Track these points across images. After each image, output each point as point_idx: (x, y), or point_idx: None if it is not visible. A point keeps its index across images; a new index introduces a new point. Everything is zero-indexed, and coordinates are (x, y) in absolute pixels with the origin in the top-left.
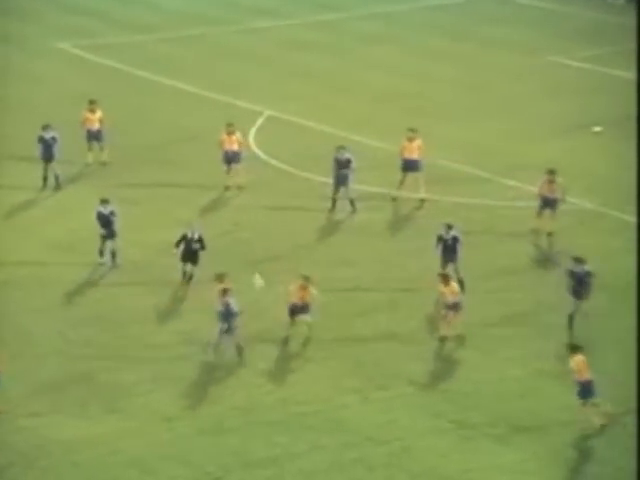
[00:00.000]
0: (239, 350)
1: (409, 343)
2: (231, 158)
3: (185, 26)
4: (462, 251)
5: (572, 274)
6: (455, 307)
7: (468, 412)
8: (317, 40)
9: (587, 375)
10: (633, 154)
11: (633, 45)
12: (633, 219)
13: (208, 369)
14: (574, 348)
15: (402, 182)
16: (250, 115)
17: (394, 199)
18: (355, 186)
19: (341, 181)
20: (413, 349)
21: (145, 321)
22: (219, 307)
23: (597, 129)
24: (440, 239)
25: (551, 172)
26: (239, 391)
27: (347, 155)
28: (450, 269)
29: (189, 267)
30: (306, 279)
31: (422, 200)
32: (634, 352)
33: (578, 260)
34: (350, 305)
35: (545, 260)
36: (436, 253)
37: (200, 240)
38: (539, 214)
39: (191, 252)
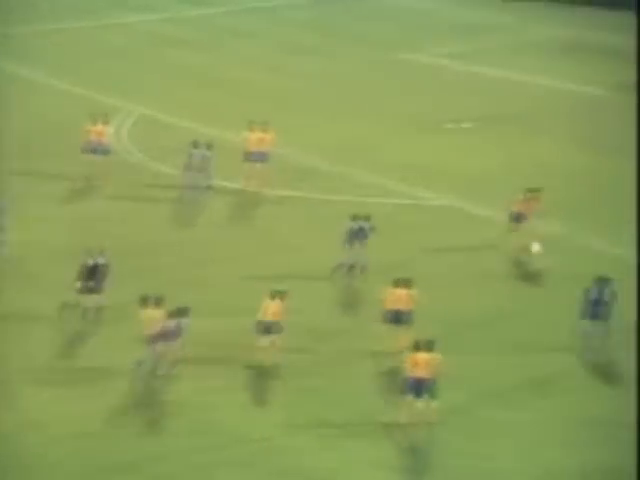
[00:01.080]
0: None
1: None
2: (96, 150)
3: (55, 20)
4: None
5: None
6: None
7: (329, 409)
8: (187, 36)
9: (422, 373)
10: (489, 150)
11: (495, 43)
12: (487, 213)
13: None
14: (425, 344)
15: (247, 174)
16: (116, 111)
17: (244, 190)
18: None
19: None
20: None
21: None
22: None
23: (465, 125)
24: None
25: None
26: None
27: (204, 151)
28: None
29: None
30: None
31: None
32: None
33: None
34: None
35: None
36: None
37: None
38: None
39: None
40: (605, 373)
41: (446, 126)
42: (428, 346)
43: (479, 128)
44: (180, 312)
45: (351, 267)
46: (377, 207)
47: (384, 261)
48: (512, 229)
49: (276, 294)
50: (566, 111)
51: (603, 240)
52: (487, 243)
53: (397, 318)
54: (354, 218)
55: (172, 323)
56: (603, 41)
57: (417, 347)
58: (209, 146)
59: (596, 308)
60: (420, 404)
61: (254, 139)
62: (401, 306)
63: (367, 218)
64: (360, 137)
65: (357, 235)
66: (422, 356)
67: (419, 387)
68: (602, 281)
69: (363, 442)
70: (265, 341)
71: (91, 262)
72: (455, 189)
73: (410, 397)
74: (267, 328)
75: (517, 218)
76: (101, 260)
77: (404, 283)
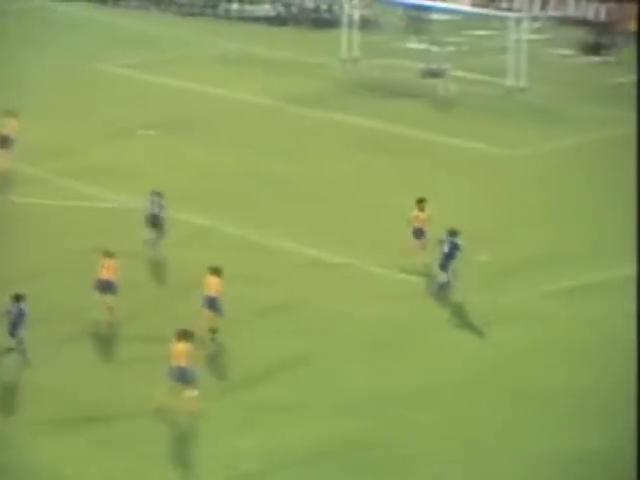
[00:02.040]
0: None
1: None
2: None
3: None
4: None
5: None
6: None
7: (41, 405)
8: None
9: (184, 362)
10: (183, 155)
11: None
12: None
13: None
14: (183, 335)
15: None
16: None
17: None
18: None
19: None
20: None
21: None
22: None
23: (145, 132)
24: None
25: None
26: None
27: None
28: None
29: None
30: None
31: None
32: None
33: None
34: None
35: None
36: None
37: None
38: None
39: None
40: None
41: (136, 132)
42: (187, 337)
43: (162, 134)
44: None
45: None
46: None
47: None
48: None
49: None
50: (239, 118)
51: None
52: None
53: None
54: None
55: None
56: (272, 55)
57: (179, 337)
58: None
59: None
60: (184, 392)
61: None
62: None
63: None
64: (55, 140)
65: None
66: (182, 346)
67: (182, 376)
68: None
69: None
70: None
71: None
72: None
73: (174, 385)
74: None
75: None
76: None
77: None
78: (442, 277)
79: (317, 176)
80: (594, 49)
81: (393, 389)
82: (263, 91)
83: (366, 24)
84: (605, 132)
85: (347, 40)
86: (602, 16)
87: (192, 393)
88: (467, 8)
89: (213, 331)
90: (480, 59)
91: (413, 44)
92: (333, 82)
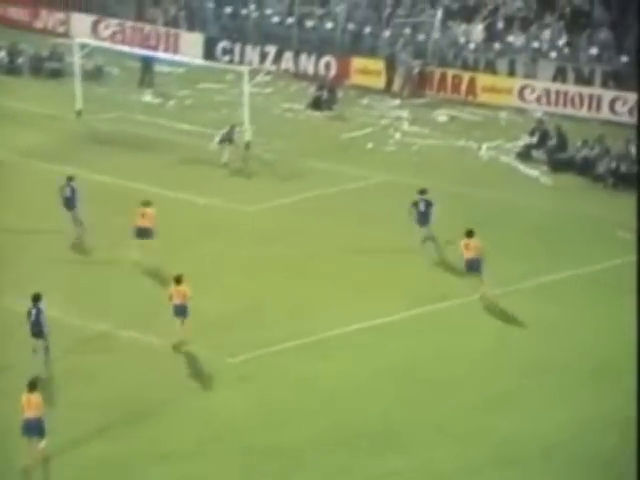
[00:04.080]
0: None
1: None
2: None
3: None
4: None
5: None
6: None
7: None
8: None
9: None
10: None
11: None
12: None
13: None
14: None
15: None
16: None
17: None
18: None
19: None
20: None
21: None
22: None
23: None
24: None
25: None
26: None
27: None
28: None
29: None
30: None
31: None
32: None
33: (422, 192)
34: None
35: None
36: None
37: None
38: None
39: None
40: None
41: None
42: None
43: None
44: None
45: None
46: None
47: None
48: None
49: None
50: None
51: None
52: None
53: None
54: None
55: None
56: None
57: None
58: None
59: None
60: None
61: None
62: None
63: None
64: None
65: None
66: (30, 396)
67: (33, 428)
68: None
69: None
70: None
71: None
72: None
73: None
74: None
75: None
76: None
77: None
78: (424, 231)
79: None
80: (316, 103)
81: None
82: None
83: (93, 74)
84: (335, 187)
85: (79, 91)
86: (323, 70)
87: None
88: (195, 60)
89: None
90: (208, 113)
91: (140, 96)
92: (66, 135)
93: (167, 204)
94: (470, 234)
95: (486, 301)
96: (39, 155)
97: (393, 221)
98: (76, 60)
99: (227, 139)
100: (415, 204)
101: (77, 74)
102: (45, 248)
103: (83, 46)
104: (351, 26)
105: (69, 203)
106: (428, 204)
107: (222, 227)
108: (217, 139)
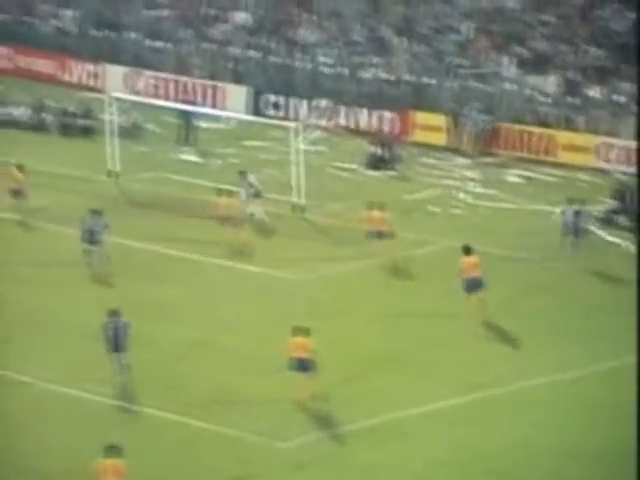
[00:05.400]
0: None
1: None
2: None
3: None
4: None
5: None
6: None
7: None
8: None
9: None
10: None
11: None
12: None
13: None
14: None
15: None
16: None
17: None
18: None
19: None
20: None
21: None
22: None
23: None
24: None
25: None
26: None
27: None
28: None
29: None
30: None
31: None
32: None
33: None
34: None
35: None
36: None
37: None
38: None
39: None
40: None
41: None
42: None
43: None
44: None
45: None
46: None
47: None
48: None
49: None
50: None
51: None
52: None
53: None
54: None
55: None
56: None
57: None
58: None
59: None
60: None
61: None
62: None
63: None
64: None
65: None
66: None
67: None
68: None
69: None
70: None
71: None
72: None
73: None
74: None
75: None
76: None
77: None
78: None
79: None
80: (375, 162)
81: None
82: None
83: (129, 132)
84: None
85: (110, 150)
86: (387, 126)
87: None
88: (241, 115)
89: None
90: (257, 173)
91: (180, 154)
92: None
93: (213, 271)
94: (468, 251)
95: (486, 319)
96: (63, 219)
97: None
98: (107, 116)
99: (252, 194)
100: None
101: (108, 131)
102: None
103: (115, 100)
104: (411, 77)
105: None
106: None
107: (269, 297)
108: (243, 197)
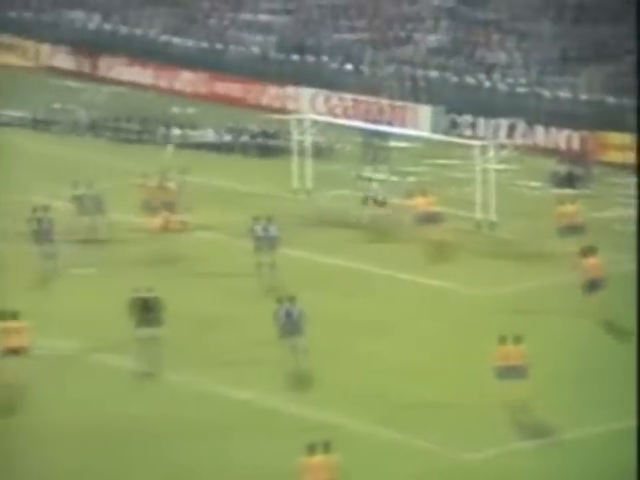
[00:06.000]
0: None
1: None
2: None
3: None
4: None
5: None
6: None
7: None
8: None
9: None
10: None
11: None
12: None
13: None
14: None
15: None
16: None
17: None
18: None
19: None
20: None
21: None
22: None
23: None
24: None
25: None
26: None
27: None
28: None
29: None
30: None
31: None
32: None
33: None
34: None
35: None
36: None
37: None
38: None
39: None
40: None
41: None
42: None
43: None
44: None
45: None
46: None
47: None
48: None
49: None
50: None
51: None
52: None
53: None
54: None
55: None
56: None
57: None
58: None
59: None
60: None
61: None
62: None
63: None
64: None
65: None
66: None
67: None
68: None
69: None
70: None
71: None
72: None
73: None
74: None
75: None
76: None
77: None
78: None
79: None
80: (568, 181)
81: None
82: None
83: (319, 152)
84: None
85: (298, 169)
86: (576, 145)
87: None
88: (430, 134)
89: None
90: (444, 190)
91: (370, 173)
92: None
93: (397, 286)
94: (589, 252)
95: None
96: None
97: None
98: (294, 136)
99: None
100: None
101: (295, 150)
102: None
103: (309, 122)
104: (601, 96)
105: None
106: None
107: (452, 312)
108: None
